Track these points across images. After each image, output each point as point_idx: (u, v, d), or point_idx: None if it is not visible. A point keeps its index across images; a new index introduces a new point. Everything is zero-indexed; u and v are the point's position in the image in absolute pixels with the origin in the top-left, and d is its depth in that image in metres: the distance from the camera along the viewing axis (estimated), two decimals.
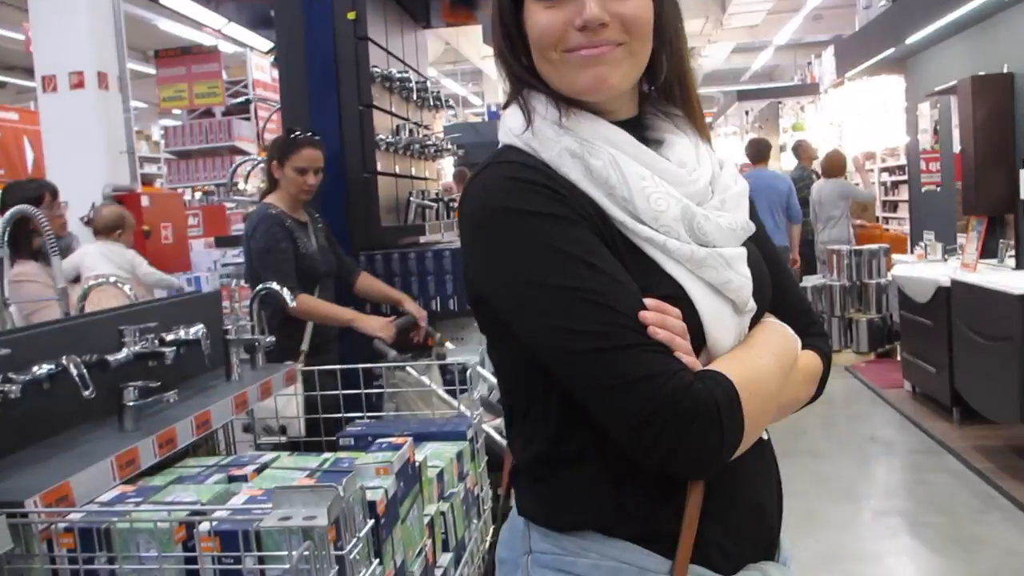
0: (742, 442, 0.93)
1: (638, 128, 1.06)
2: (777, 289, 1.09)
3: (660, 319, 0.92)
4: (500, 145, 1.05)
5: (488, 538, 2.08)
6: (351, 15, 3.63)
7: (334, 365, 2.33)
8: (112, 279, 3.33)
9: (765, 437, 1.06)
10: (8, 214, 2.64)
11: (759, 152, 7.53)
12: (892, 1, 6.87)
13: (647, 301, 0.93)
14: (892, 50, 6.60)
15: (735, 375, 0.93)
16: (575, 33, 0.97)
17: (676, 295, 0.96)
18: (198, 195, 9.51)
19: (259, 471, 1.57)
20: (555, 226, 0.93)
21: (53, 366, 1.46)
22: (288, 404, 2.29)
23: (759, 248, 1.08)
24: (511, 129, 1.03)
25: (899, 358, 6.39)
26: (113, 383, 1.58)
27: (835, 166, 7.97)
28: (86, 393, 1.46)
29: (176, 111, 9.71)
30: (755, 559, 1.03)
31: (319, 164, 3.19)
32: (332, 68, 3.62)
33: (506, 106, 1.07)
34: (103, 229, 3.88)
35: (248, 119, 9.10)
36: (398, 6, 4.30)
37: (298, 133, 3.23)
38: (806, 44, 16.69)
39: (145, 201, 4.64)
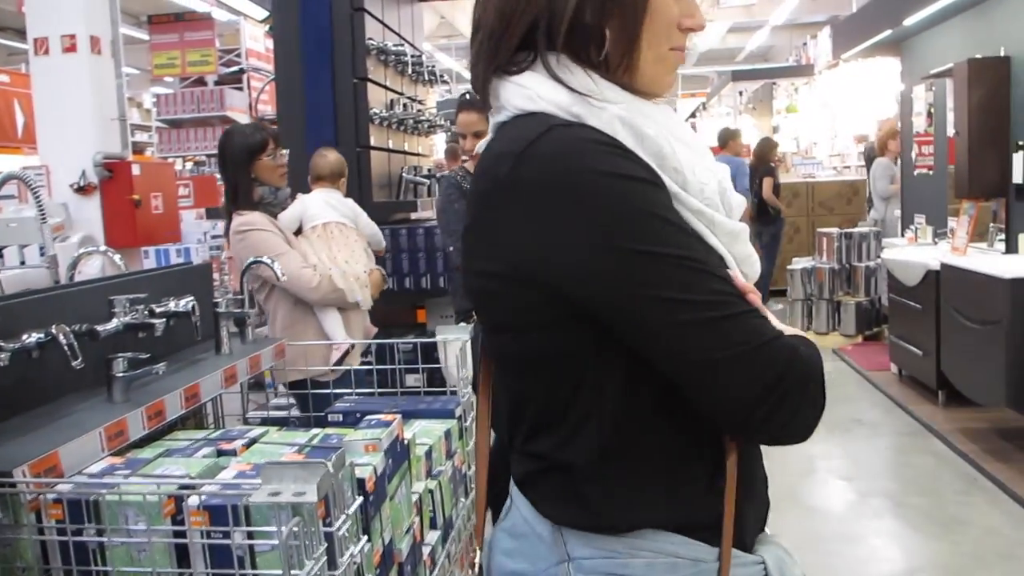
0: None
1: None
2: None
3: (749, 286, 0.92)
4: (516, 113, 0.94)
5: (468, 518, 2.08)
6: None
7: None
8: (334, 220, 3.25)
9: None
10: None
11: (721, 139, 8.46)
12: None
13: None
14: (889, 32, 6.56)
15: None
16: (678, 33, 0.96)
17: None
18: (189, 165, 9.42)
19: (248, 446, 1.57)
20: (647, 191, 0.88)
21: (42, 335, 1.46)
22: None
23: None
24: (541, 95, 0.92)
25: (886, 341, 6.42)
26: (102, 353, 1.57)
27: (879, 144, 7.73)
28: (75, 363, 1.46)
29: (168, 79, 9.59)
30: (758, 533, 1.03)
31: (473, 128, 3.19)
32: (327, 39, 3.59)
33: (510, 71, 0.95)
34: (329, 175, 3.45)
35: (241, 89, 8.98)
36: None
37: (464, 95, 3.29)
38: (802, 24, 16.57)
39: (136, 170, 4.58)
